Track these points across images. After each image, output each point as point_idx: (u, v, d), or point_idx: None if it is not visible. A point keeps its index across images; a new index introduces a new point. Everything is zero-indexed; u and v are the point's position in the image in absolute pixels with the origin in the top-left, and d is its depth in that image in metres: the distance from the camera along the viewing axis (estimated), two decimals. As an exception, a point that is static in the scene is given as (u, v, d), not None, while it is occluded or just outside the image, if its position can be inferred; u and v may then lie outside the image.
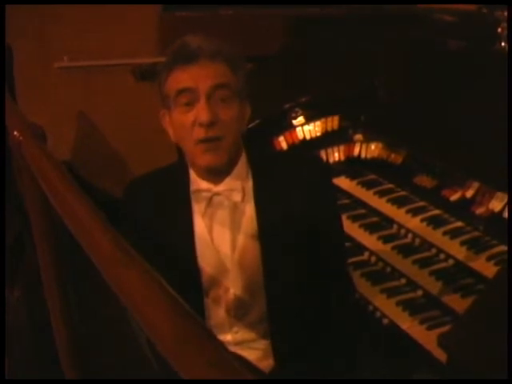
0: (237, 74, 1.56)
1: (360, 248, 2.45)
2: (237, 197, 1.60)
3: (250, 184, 1.63)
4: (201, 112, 1.50)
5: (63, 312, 1.47)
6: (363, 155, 2.78)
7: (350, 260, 2.37)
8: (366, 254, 2.42)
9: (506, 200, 2.12)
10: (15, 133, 1.36)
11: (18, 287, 2.41)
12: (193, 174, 1.64)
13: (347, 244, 2.44)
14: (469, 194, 2.26)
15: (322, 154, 2.82)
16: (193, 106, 1.52)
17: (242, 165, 1.63)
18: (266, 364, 1.71)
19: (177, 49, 1.56)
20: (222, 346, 0.67)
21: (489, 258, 2.08)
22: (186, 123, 1.53)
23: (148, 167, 1.79)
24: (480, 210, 2.21)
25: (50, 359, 1.58)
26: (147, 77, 3.72)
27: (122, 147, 4.04)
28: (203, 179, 1.62)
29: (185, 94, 1.52)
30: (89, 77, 3.88)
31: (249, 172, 1.64)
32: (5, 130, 1.49)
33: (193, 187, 1.63)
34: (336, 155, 2.83)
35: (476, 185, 2.25)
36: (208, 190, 1.61)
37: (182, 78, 1.52)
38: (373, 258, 2.39)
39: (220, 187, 1.61)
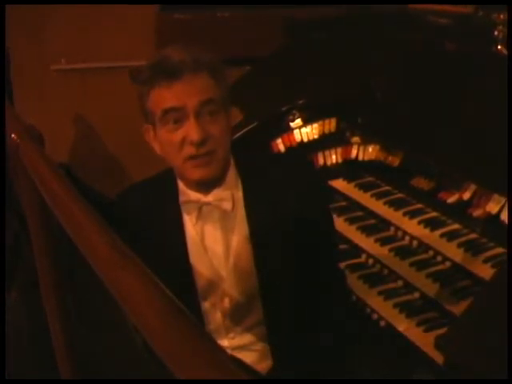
0: (220, 85, 1.54)
1: (357, 250, 2.45)
2: (227, 206, 1.59)
3: (240, 193, 1.62)
4: (191, 131, 1.47)
5: (61, 314, 1.47)
6: (361, 157, 2.79)
7: (348, 262, 2.38)
8: (364, 256, 2.42)
9: (502, 202, 2.13)
10: (13, 136, 1.36)
11: (15, 288, 2.41)
12: (181, 185, 1.62)
13: (344, 246, 2.44)
14: (466, 196, 2.27)
15: (320, 156, 2.82)
16: (181, 124, 1.49)
17: (232, 174, 1.61)
18: (264, 366, 1.71)
19: (157, 63, 1.52)
20: (217, 346, 0.67)
21: (486, 260, 2.08)
22: (175, 141, 1.50)
23: (146, 169, 1.79)
24: (477, 213, 2.21)
25: (50, 359, 1.58)
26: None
27: (120, 149, 4.04)
28: (192, 190, 1.60)
29: (172, 113, 1.49)
30: (86, 79, 3.88)
31: (238, 180, 1.62)
32: (4, 133, 1.49)
33: (182, 198, 1.62)
34: (333, 157, 2.83)
35: (473, 187, 2.25)
36: (197, 201, 1.59)
37: (167, 97, 1.49)
38: (370, 261, 2.39)
39: (209, 197, 1.59)
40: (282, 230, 1.62)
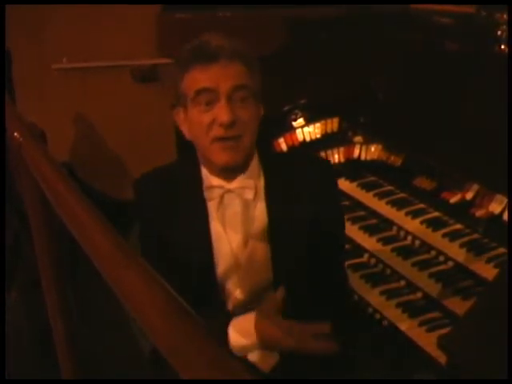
0: (253, 76, 1.56)
1: (360, 250, 2.45)
2: (249, 194, 1.61)
3: (261, 183, 1.64)
4: (221, 112, 1.49)
5: (62, 313, 1.46)
6: (363, 157, 2.79)
7: (350, 262, 2.38)
8: (366, 255, 2.42)
9: (505, 202, 2.12)
10: (15, 134, 1.35)
11: (15, 288, 2.41)
12: (204, 171, 1.63)
13: (347, 246, 2.44)
14: (468, 196, 2.26)
15: (322, 155, 2.82)
16: (212, 106, 1.51)
17: (255, 164, 1.64)
18: (268, 363, 1.70)
19: (195, 47, 1.54)
20: (221, 346, 0.67)
21: (488, 260, 2.08)
22: (204, 122, 1.52)
23: (146, 168, 1.78)
24: (479, 213, 2.21)
25: (50, 359, 1.58)
26: (148, 78, 3.73)
27: (120, 148, 4.04)
28: (216, 176, 1.62)
29: (204, 94, 1.51)
30: (87, 78, 3.88)
31: (261, 171, 1.65)
32: (5, 132, 1.48)
33: (205, 184, 1.63)
34: (336, 157, 2.84)
35: (476, 187, 2.25)
36: (220, 187, 1.61)
37: (201, 78, 1.51)
38: (372, 260, 2.39)
39: (232, 184, 1.61)
40: (300, 226, 1.63)
